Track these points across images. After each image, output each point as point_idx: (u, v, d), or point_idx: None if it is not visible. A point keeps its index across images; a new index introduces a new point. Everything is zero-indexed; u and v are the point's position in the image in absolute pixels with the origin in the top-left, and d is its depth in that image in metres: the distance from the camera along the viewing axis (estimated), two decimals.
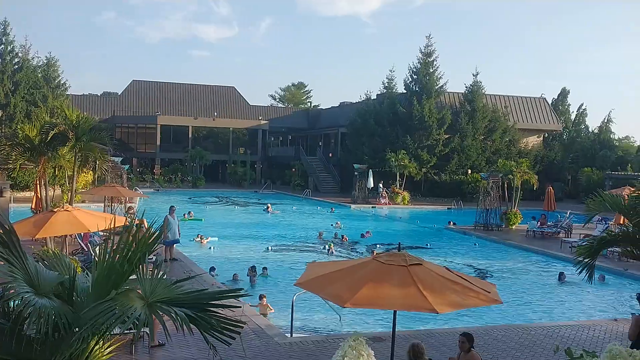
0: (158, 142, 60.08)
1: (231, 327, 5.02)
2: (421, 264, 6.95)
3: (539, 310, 16.22)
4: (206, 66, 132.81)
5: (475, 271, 20.75)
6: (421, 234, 30.09)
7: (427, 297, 6.18)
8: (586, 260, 8.37)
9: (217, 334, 4.94)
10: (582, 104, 63.65)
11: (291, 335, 11.75)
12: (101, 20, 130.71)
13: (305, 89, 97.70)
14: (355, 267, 7.12)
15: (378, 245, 24.74)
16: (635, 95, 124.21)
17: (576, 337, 12.33)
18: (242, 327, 5.10)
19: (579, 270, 8.52)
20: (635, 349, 9.11)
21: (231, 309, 5.18)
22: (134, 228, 5.24)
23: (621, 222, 11.05)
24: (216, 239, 25.40)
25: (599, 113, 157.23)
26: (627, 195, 10.06)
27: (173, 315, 4.75)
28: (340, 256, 22.40)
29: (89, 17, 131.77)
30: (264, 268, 18.69)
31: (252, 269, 17.98)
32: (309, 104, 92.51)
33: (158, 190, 49.91)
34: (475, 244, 27.10)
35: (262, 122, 64.81)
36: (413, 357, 7.89)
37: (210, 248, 23.72)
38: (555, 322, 14.15)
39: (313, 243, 25.90)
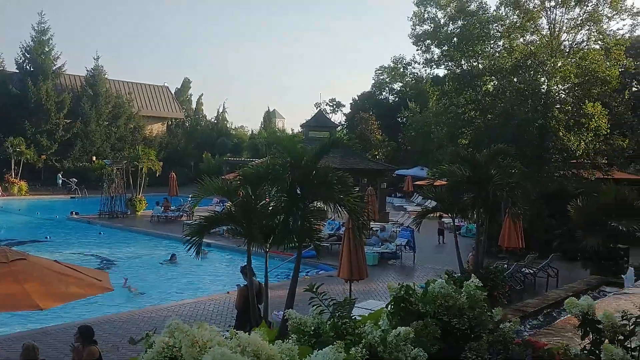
0: None
1: None
2: (25, 259, 6.41)
3: (163, 292, 16.78)
4: None
5: (100, 261, 20.27)
6: (42, 227, 27.87)
7: (30, 294, 5.72)
8: (195, 238, 9.01)
9: None
10: (201, 95, 68.52)
11: None
12: None
13: None
14: None
15: None
16: (242, 90, 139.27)
17: (195, 313, 13.18)
18: None
19: (188, 248, 9.10)
20: (241, 317, 10.27)
21: None
22: None
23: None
24: None
25: (217, 104, 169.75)
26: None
27: None
28: None
29: None
30: None
31: None
32: None
33: None
34: (100, 233, 26.48)
35: None
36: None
37: None
38: (177, 302, 14.84)
39: None
